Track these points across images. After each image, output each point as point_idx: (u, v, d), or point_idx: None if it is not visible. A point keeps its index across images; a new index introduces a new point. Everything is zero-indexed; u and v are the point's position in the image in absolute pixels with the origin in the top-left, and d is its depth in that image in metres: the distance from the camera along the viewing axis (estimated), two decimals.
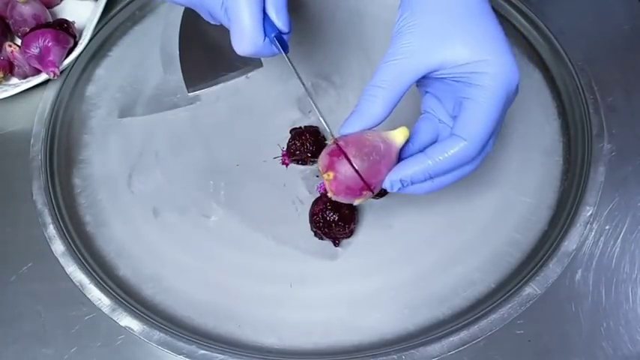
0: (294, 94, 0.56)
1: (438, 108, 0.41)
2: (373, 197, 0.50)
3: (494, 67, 0.36)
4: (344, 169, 0.37)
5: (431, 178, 0.38)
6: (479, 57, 0.36)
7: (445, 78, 0.38)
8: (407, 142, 0.39)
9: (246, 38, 0.39)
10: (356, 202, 0.39)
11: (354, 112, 0.38)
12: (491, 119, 0.36)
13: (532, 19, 0.58)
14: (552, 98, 0.55)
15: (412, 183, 0.38)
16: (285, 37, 0.42)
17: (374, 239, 0.49)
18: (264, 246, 0.50)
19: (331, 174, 0.37)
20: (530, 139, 0.53)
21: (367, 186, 0.37)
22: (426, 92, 0.42)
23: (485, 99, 0.36)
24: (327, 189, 0.38)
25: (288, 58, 0.41)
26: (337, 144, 0.38)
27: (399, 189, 0.38)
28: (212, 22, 0.43)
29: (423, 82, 0.40)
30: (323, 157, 0.38)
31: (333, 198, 0.39)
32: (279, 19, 0.41)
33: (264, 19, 0.40)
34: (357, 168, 0.37)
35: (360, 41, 0.59)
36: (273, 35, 0.41)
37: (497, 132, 0.39)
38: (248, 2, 0.38)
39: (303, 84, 0.42)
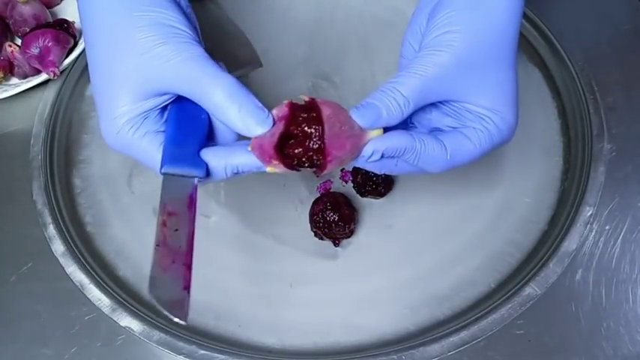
0: (294, 94, 0.56)
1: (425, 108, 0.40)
2: (374, 197, 0.50)
3: (503, 124, 0.37)
4: (310, 126, 0.31)
5: (397, 158, 0.36)
6: (496, 109, 0.36)
7: (454, 109, 0.37)
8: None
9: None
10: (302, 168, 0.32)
11: (372, 103, 0.34)
12: (476, 158, 0.38)
13: (532, 19, 0.58)
14: (552, 98, 0.55)
15: (384, 157, 0.36)
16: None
17: (374, 239, 0.49)
18: (264, 246, 0.49)
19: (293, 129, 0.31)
20: (530, 139, 0.53)
21: (325, 154, 0.31)
22: None
23: (484, 144, 0.37)
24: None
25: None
26: (315, 99, 0.31)
27: (369, 160, 0.35)
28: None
29: None
30: (283, 108, 0.32)
31: (276, 167, 0.32)
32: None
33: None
34: (325, 130, 0.31)
35: (360, 41, 0.59)
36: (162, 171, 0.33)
37: None
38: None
39: None
